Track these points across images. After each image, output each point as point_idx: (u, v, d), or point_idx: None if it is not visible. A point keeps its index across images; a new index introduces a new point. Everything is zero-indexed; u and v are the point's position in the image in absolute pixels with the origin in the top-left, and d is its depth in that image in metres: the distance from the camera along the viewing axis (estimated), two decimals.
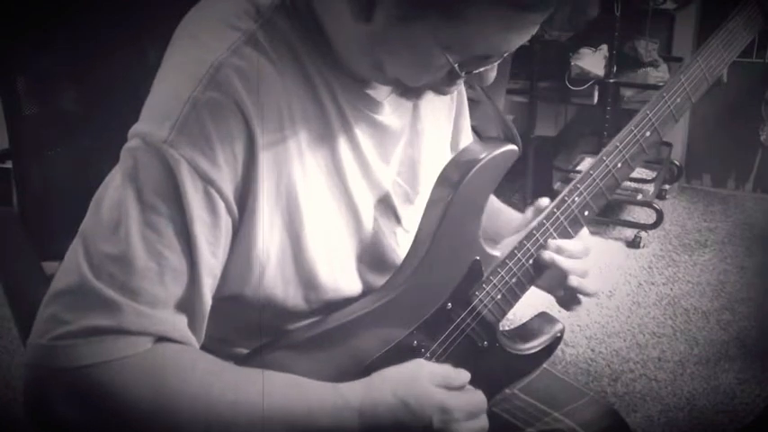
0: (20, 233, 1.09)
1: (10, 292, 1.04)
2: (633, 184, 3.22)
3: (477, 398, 0.91)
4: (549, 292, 1.02)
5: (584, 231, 1.00)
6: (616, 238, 3.09)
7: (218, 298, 0.83)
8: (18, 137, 1.11)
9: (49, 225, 0.82)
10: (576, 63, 2.94)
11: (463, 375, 0.91)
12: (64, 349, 0.74)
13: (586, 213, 0.97)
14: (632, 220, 3.17)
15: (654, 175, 3.26)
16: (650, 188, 3.19)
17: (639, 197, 3.17)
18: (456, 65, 0.79)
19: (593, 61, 2.95)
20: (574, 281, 0.96)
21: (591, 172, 0.96)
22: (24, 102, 1.09)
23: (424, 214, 0.92)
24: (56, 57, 1.13)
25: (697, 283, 2.75)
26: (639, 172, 3.33)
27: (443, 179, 0.91)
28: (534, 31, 0.77)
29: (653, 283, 2.75)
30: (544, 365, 1.13)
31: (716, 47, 0.96)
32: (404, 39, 0.77)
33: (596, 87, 2.98)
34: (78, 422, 0.77)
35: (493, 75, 0.84)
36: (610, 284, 2.72)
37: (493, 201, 1.13)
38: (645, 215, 3.17)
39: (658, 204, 3.13)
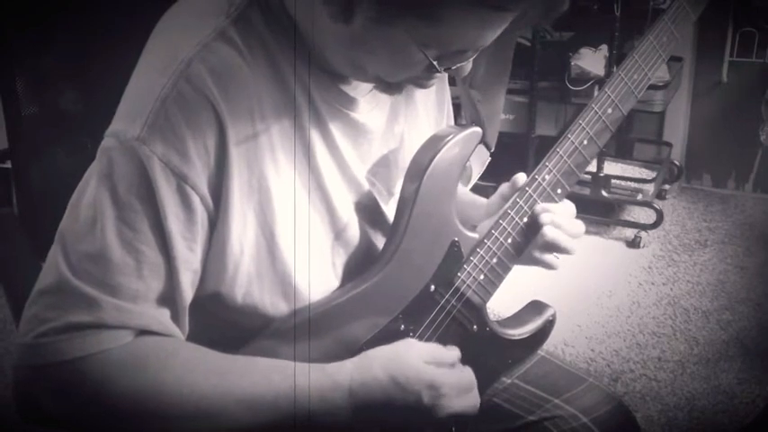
0: (19, 234, 1.09)
1: (10, 294, 1.04)
2: (633, 184, 3.21)
3: (467, 375, 0.92)
4: (528, 263, 1.03)
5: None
6: (616, 238, 3.09)
7: (201, 296, 0.83)
8: (17, 137, 1.11)
9: (49, 226, 0.82)
10: (576, 63, 2.94)
11: (453, 353, 0.92)
12: (47, 346, 0.75)
13: (559, 191, 0.99)
14: (632, 220, 3.17)
15: (654, 175, 3.26)
16: (650, 188, 3.19)
17: (639, 197, 3.17)
18: (434, 61, 0.80)
19: (593, 61, 2.95)
20: (550, 232, 0.95)
21: (557, 150, 1.00)
22: (23, 102, 1.09)
23: (398, 202, 0.93)
24: (56, 56, 1.13)
25: (697, 283, 2.75)
26: (640, 172, 3.33)
27: (413, 166, 0.93)
28: (506, 24, 0.78)
29: (653, 283, 2.75)
30: (542, 354, 1.14)
31: (664, 25, 1.03)
32: (382, 39, 0.78)
33: (596, 87, 2.97)
34: (66, 415, 0.79)
35: (468, 68, 0.85)
36: (610, 284, 2.73)
37: (466, 192, 1.15)
38: (645, 215, 3.17)
39: (658, 204, 3.13)
